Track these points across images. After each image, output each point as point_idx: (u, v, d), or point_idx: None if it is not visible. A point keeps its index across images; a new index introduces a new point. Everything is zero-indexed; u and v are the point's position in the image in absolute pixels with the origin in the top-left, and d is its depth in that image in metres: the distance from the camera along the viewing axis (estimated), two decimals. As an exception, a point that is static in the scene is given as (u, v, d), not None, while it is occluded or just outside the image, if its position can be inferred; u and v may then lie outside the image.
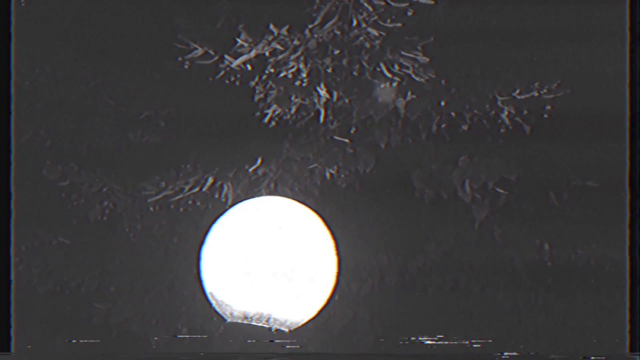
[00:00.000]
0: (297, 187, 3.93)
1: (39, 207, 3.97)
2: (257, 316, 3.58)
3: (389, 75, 3.81)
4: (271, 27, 3.74)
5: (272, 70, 3.81)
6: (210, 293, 3.62)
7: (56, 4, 3.84)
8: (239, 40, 3.72)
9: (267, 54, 3.79)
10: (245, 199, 3.79)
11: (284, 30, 3.70)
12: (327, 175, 3.93)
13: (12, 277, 3.88)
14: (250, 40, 3.72)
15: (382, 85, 3.71)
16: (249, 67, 3.85)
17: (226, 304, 3.58)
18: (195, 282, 3.73)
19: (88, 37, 3.86)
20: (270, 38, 3.74)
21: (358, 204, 3.98)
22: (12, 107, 3.86)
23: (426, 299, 3.95)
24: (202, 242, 3.67)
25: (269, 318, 3.58)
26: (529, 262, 3.93)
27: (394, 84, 3.78)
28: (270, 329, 3.62)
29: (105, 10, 3.84)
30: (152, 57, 3.86)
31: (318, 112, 3.89)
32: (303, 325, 3.68)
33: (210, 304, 3.65)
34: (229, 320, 3.62)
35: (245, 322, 3.59)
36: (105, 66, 3.89)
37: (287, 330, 3.65)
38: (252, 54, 3.76)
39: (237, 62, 3.74)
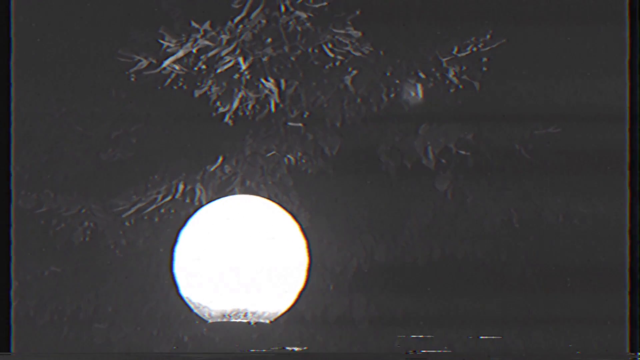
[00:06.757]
0: (270, 181, 3.95)
1: (22, 238, 4.04)
2: (235, 312, 3.62)
3: (331, 55, 3.81)
4: (193, 23, 3.76)
5: (204, 67, 3.84)
6: (187, 297, 3.67)
7: (18, 39, 3.92)
8: (163, 42, 3.76)
9: (194, 51, 3.81)
10: (218, 199, 3.84)
11: (207, 26, 3.72)
12: (294, 163, 3.94)
13: (12, 313, 3.96)
14: (175, 40, 3.76)
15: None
16: (184, 69, 3.88)
17: (203, 306, 3.64)
18: (172, 288, 3.78)
19: (47, 68, 3.94)
20: (199, 35, 3.77)
21: (331, 188, 3.98)
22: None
23: (418, 270, 3.94)
24: (172, 249, 3.72)
25: (246, 313, 3.62)
26: (498, 224, 3.89)
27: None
28: (249, 323, 3.66)
29: (59, 37, 3.90)
30: (114, 76, 3.91)
31: (270, 103, 3.91)
32: (282, 314, 3.71)
33: (190, 308, 3.70)
34: (210, 321, 3.68)
35: (224, 320, 3.64)
36: (68, 94, 3.96)
37: (268, 322, 3.69)
38: (180, 53, 3.79)
39: (167, 63, 3.77)
